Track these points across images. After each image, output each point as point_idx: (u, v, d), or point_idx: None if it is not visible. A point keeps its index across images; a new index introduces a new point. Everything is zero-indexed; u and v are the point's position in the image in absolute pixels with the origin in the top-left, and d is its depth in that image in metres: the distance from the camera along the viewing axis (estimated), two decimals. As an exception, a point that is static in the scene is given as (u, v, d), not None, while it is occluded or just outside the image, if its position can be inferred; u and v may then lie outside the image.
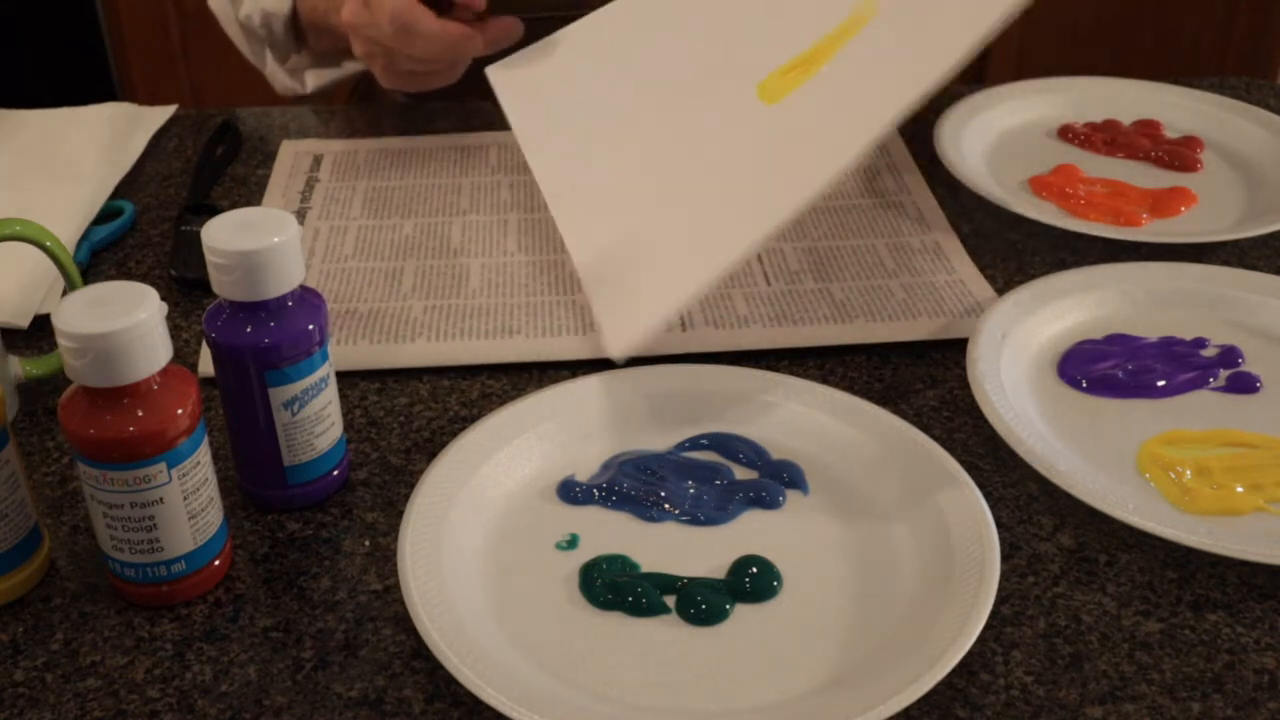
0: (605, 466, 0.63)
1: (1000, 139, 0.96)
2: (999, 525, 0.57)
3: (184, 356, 0.71)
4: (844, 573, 0.57)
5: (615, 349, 0.67)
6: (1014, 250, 0.82)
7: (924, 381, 0.70)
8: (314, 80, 1.05)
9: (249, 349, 0.56)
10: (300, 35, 1.00)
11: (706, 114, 0.76)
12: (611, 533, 0.59)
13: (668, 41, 0.83)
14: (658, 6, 0.85)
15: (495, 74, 0.87)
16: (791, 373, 0.68)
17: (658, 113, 0.79)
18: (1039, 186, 0.89)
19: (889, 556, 0.58)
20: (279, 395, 0.57)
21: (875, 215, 0.85)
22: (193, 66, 2.08)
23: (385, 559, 0.58)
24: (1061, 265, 0.79)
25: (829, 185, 0.66)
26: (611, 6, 0.86)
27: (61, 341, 0.50)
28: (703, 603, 0.55)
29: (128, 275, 0.80)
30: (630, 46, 0.84)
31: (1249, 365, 0.71)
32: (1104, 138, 0.95)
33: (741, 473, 0.63)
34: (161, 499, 0.53)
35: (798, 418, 0.64)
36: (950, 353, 0.71)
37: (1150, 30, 2.01)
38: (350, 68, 1.05)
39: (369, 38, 0.85)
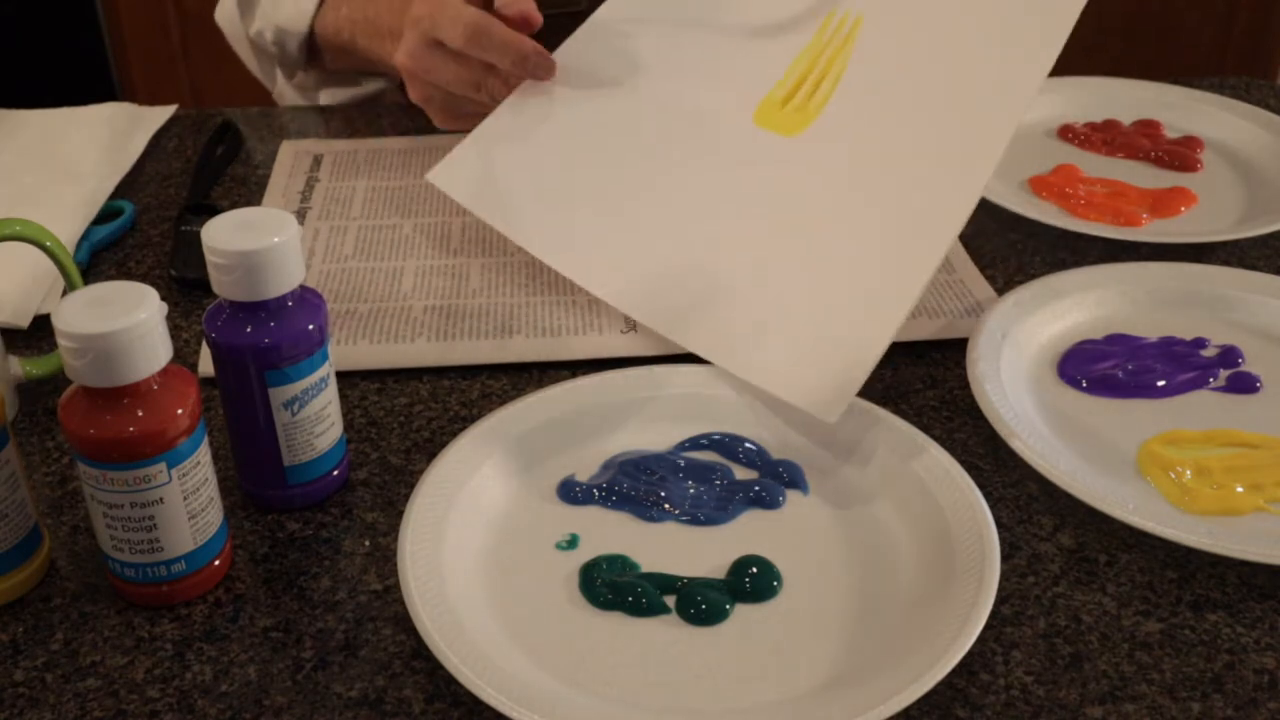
0: (605, 466, 0.63)
1: (1000, 139, 0.96)
2: (999, 525, 0.57)
3: (184, 356, 0.71)
4: (844, 572, 0.57)
5: (832, 414, 0.62)
6: (1014, 250, 0.82)
7: (924, 381, 0.70)
8: (328, 99, 1.04)
9: (249, 349, 0.56)
10: (313, 53, 0.99)
11: (722, 168, 0.73)
12: (611, 533, 0.59)
13: (618, 101, 0.78)
14: (592, 64, 0.79)
15: (438, 178, 0.79)
16: (791, 373, 0.68)
17: (663, 177, 0.74)
18: (1039, 186, 0.89)
19: (889, 556, 0.58)
20: (279, 395, 0.57)
21: (875, 215, 0.85)
22: (193, 66, 2.08)
23: (385, 559, 0.58)
24: (1061, 265, 0.79)
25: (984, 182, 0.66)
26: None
27: (61, 341, 0.50)
28: (703, 603, 0.55)
29: (128, 275, 0.80)
30: (582, 115, 0.78)
31: (1249, 365, 0.71)
32: (1104, 138, 0.95)
33: (741, 473, 0.63)
34: (161, 499, 0.53)
35: (798, 418, 0.64)
36: (950, 353, 0.71)
37: (1150, 30, 2.01)
38: (370, 86, 1.03)
39: (430, 82, 0.80)
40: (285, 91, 1.05)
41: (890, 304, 0.64)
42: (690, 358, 0.69)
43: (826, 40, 0.74)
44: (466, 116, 0.83)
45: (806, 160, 0.72)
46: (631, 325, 0.73)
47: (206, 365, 0.69)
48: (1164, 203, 0.87)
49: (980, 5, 0.73)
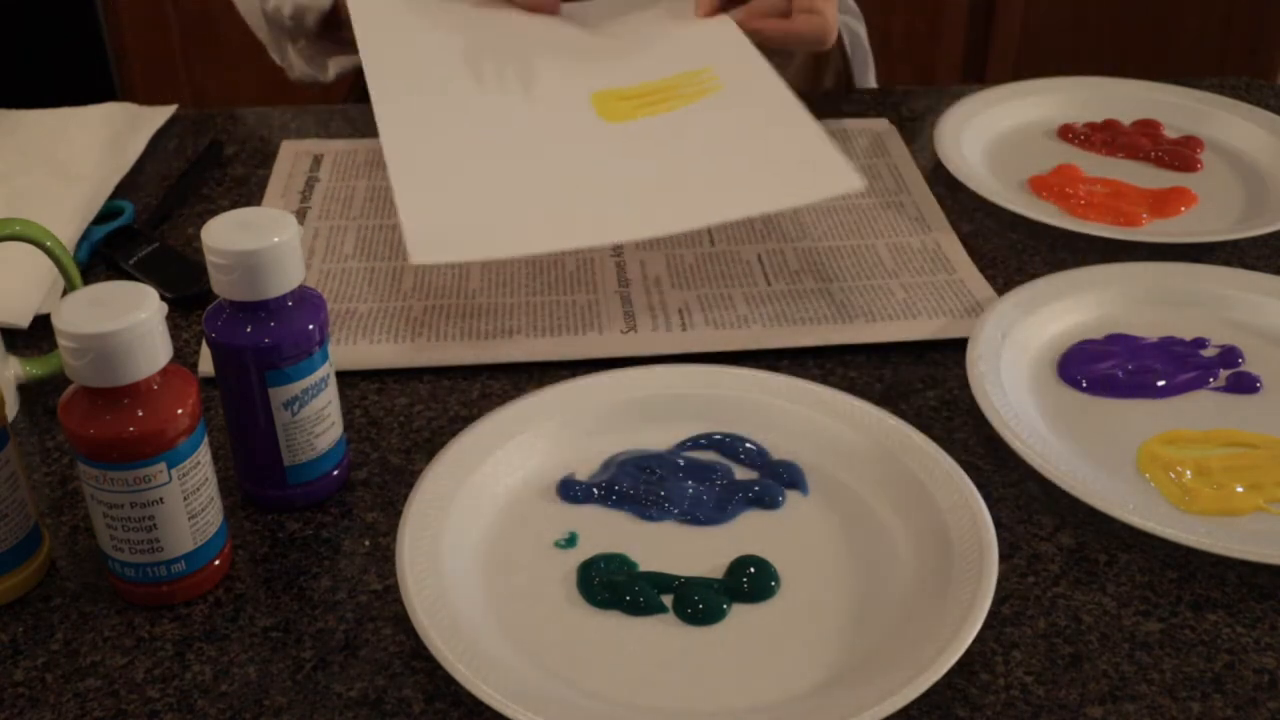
0: (605, 465, 0.63)
1: (1000, 139, 0.96)
2: (999, 525, 0.57)
3: (184, 356, 0.71)
4: (843, 573, 0.57)
5: (418, 258, 0.68)
6: (1014, 250, 0.82)
7: (924, 381, 0.70)
8: (336, 68, 1.05)
9: (249, 349, 0.56)
10: (327, 26, 1.00)
11: (548, 105, 0.83)
12: (610, 532, 0.59)
13: (529, 25, 0.90)
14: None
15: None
16: (791, 373, 0.68)
17: (507, 86, 0.84)
18: (1039, 186, 0.89)
19: (888, 557, 0.58)
20: (279, 395, 0.57)
21: (875, 215, 0.85)
22: (192, 66, 2.08)
23: (385, 559, 0.58)
24: (1061, 265, 0.79)
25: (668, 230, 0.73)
26: None
27: (61, 341, 0.50)
28: (700, 602, 0.55)
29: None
30: (493, 19, 0.90)
31: (1249, 365, 0.71)
32: (1104, 138, 0.95)
33: (741, 473, 0.63)
34: (161, 499, 0.53)
35: (798, 418, 0.64)
36: (950, 353, 0.71)
37: (1150, 30, 2.01)
38: None
39: None
40: (295, 62, 1.06)
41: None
42: (691, 357, 0.69)
43: (686, 84, 0.83)
44: None
45: (600, 143, 0.79)
46: (631, 325, 0.73)
47: (206, 365, 0.69)
48: (1164, 203, 0.87)
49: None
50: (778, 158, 0.76)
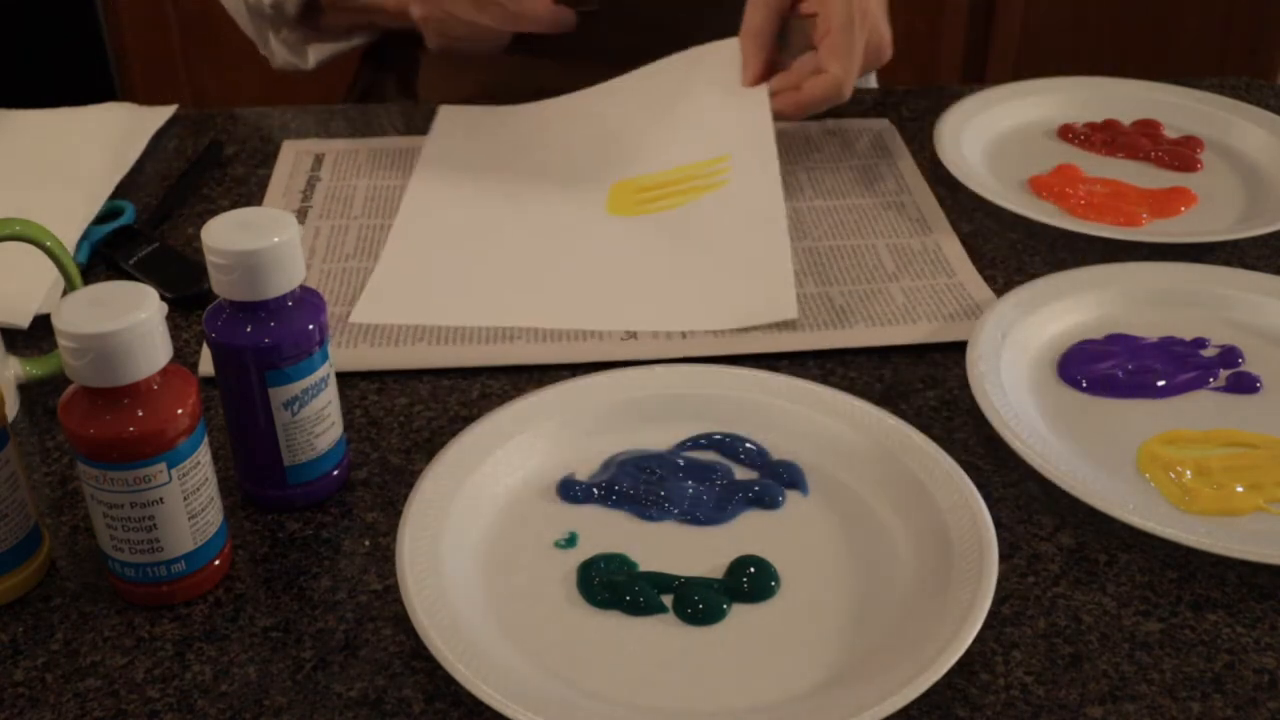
0: (605, 465, 0.63)
1: (1000, 139, 0.96)
2: (999, 525, 0.57)
3: (184, 356, 0.71)
4: (843, 573, 0.57)
5: (357, 317, 0.74)
6: (1014, 250, 0.82)
7: (924, 381, 0.70)
8: (316, 55, 1.06)
9: (249, 349, 0.56)
10: (307, 13, 1.01)
11: (564, 199, 0.86)
12: (610, 532, 0.59)
13: (579, 113, 0.94)
14: (585, 104, 0.95)
15: (445, 112, 0.97)
16: (791, 373, 0.68)
17: (534, 183, 0.88)
18: (1039, 186, 0.89)
19: (888, 557, 0.58)
20: (279, 395, 0.57)
21: (875, 215, 0.85)
22: (192, 66, 2.08)
23: (385, 559, 0.58)
24: (1061, 265, 0.79)
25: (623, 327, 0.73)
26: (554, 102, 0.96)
27: (61, 341, 0.50)
28: (700, 602, 0.55)
29: (128, 275, 0.80)
30: (549, 113, 0.95)
31: (1249, 365, 0.71)
32: (1104, 138, 0.95)
33: (741, 473, 0.63)
34: (161, 499, 0.53)
35: (798, 418, 0.64)
36: (950, 353, 0.71)
37: (1150, 30, 2.01)
38: (357, 39, 1.06)
39: (440, 20, 0.92)
40: (278, 50, 1.07)
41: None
42: (689, 358, 0.69)
43: (700, 174, 0.85)
44: (458, 39, 0.95)
45: (602, 238, 0.82)
46: (632, 332, 0.73)
47: (206, 365, 0.69)
48: (1164, 203, 0.87)
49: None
50: (735, 280, 0.76)
